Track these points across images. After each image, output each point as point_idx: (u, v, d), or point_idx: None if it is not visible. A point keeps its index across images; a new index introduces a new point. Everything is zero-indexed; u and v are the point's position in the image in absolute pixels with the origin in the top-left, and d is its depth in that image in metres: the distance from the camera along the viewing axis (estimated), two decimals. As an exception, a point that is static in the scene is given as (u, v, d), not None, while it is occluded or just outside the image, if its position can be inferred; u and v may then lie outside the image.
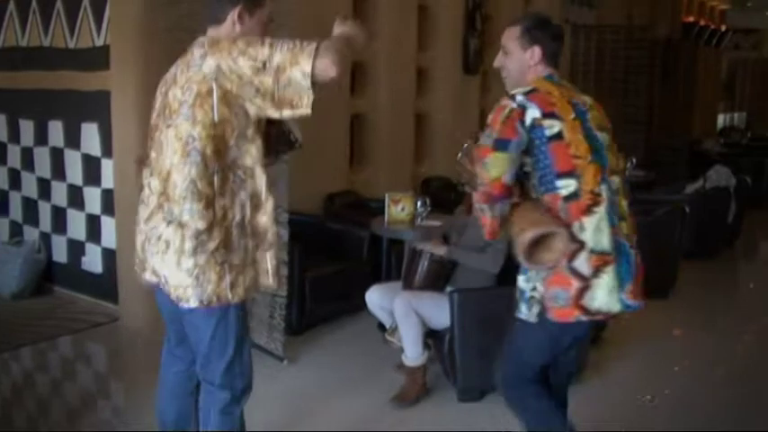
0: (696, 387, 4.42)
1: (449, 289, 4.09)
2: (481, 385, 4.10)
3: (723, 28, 16.62)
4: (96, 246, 5.43)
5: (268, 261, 2.58)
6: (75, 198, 5.53)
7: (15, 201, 6.07)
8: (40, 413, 3.94)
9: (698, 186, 7.71)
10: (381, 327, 4.48)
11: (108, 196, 5.26)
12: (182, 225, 2.40)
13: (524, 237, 2.40)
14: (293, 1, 4.37)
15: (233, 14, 2.51)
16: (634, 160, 7.76)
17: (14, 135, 5.96)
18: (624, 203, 2.61)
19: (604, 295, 2.50)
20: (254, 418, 2.98)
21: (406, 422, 3.86)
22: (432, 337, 4.10)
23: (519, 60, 2.70)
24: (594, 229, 2.48)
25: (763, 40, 20.76)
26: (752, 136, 16.32)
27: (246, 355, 2.66)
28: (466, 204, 4.38)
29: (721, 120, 18.46)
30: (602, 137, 2.61)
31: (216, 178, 2.41)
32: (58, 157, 5.62)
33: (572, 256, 2.46)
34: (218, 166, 2.40)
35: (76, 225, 5.56)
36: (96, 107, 5.22)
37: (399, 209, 5.07)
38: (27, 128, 5.84)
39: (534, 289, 2.57)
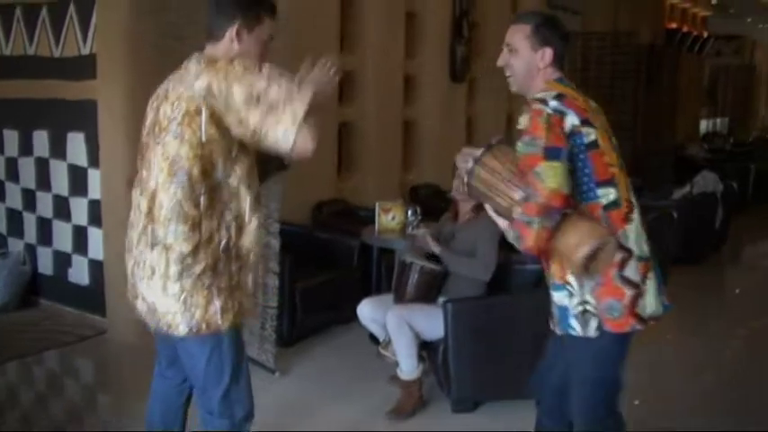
0: (687, 390, 4.42)
1: (441, 300, 4.07)
2: (475, 396, 4.09)
3: (705, 34, 16.73)
4: (83, 257, 5.35)
5: (250, 284, 2.53)
6: (61, 209, 5.45)
7: (0, 212, 5.98)
8: (26, 430, 3.86)
9: (685, 192, 7.74)
10: (373, 338, 4.45)
11: (95, 207, 5.19)
12: (166, 248, 2.34)
13: (583, 249, 2.31)
14: (285, 9, 4.30)
15: (231, 32, 2.44)
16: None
17: (-2, 145, 5.89)
18: None
19: (653, 301, 2.52)
20: None
21: (400, 434, 3.83)
22: (425, 348, 4.07)
23: (527, 61, 2.58)
24: (636, 237, 2.49)
25: (743, 47, 20.96)
26: (735, 141, 16.45)
27: (244, 382, 2.59)
28: (452, 211, 4.36)
29: (704, 125, 18.58)
30: (614, 142, 2.60)
31: (202, 199, 2.35)
32: (43, 167, 5.55)
33: (622, 265, 2.45)
34: (204, 187, 2.34)
35: (62, 236, 5.48)
36: (82, 116, 5.16)
37: (390, 218, 5.03)
38: (11, 138, 5.76)
39: (583, 303, 2.51)
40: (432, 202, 6.64)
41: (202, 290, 2.38)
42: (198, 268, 2.36)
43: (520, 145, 2.40)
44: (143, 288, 2.44)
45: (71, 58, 5.23)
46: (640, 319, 2.49)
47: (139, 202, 2.45)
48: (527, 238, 2.34)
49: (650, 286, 2.51)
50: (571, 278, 2.51)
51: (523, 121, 2.43)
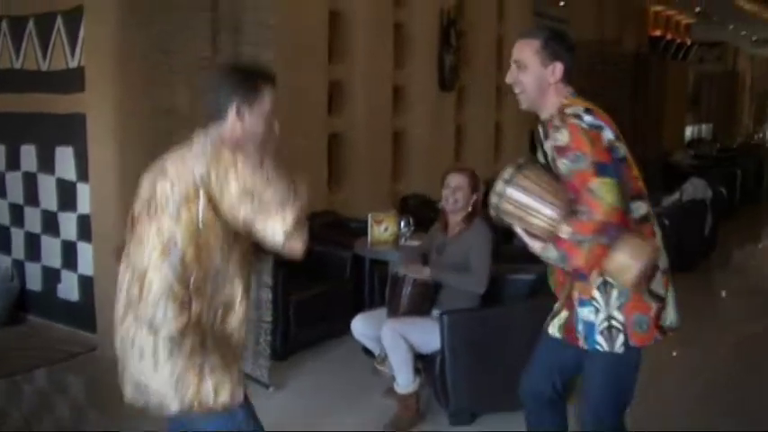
0: (683, 393, 4.44)
1: (435, 311, 4.04)
2: (473, 407, 4.06)
3: (689, 41, 16.84)
4: (72, 273, 5.29)
5: (237, 368, 2.46)
6: (50, 224, 5.39)
7: (-13, 228, 5.91)
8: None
9: (674, 199, 7.77)
10: (367, 350, 4.42)
11: (84, 222, 5.13)
12: (155, 329, 2.28)
13: (637, 266, 2.30)
14: (275, 21, 4.29)
15: (231, 111, 2.39)
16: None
17: (-15, 160, 5.82)
18: None
19: (673, 311, 2.56)
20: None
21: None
22: (421, 360, 4.04)
23: (538, 77, 2.55)
24: (661, 250, 2.51)
25: (726, 53, 21.13)
26: (720, 147, 16.56)
27: None
28: (441, 222, 4.31)
29: (689, 132, 18.70)
30: None
31: (193, 281, 2.29)
32: (31, 182, 5.49)
33: (650, 279, 2.46)
34: (197, 269, 2.29)
35: (51, 252, 5.42)
36: (71, 130, 5.11)
37: (382, 229, 5.00)
38: (-2, 152, 5.70)
39: (610, 318, 2.50)
40: (422, 212, 6.60)
41: (194, 368, 2.31)
42: (187, 348, 2.30)
43: (565, 162, 2.37)
44: (132, 367, 2.37)
45: (59, 72, 5.19)
46: (662, 330, 2.52)
47: (127, 277, 2.38)
48: (576, 258, 2.33)
49: (670, 298, 2.54)
50: (597, 294, 2.51)
51: (563, 138, 2.39)
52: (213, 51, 4.55)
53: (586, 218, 2.30)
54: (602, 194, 2.29)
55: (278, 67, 4.35)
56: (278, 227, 2.20)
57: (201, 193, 2.23)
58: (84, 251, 5.19)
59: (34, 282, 5.59)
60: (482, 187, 4.23)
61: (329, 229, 6.12)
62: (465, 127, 8.76)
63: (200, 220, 2.25)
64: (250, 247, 2.41)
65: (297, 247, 2.25)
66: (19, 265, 5.65)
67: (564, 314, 2.67)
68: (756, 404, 4.42)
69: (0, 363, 4.84)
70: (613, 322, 2.50)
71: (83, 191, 5.14)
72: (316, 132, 6.41)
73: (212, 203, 2.24)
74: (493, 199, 2.43)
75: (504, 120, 9.41)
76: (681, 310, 2.60)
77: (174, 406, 2.33)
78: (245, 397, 2.44)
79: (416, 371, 3.96)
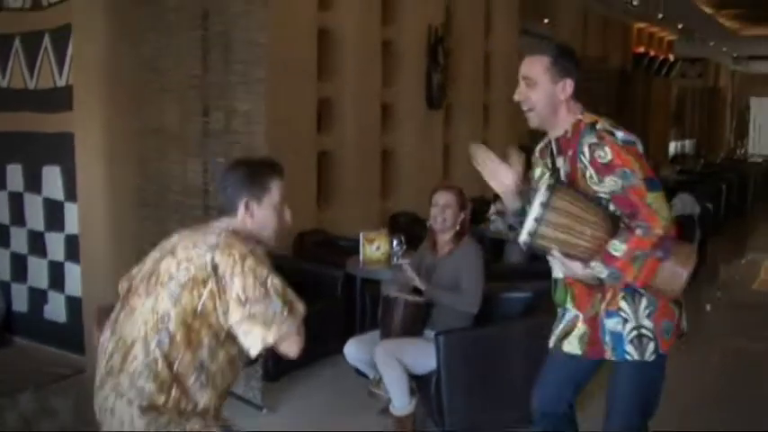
0: (664, 410, 4.41)
1: (427, 332, 4.01)
2: (469, 428, 4.02)
3: (671, 58, 17.01)
4: (60, 294, 5.22)
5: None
6: (37, 244, 5.32)
7: (-29, 249, 5.82)
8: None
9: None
10: (359, 371, 4.35)
11: (72, 242, 5.07)
12: (130, 401, 2.25)
13: (687, 272, 2.35)
14: (264, 45, 4.27)
15: (241, 207, 2.42)
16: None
17: (-30, 180, 5.74)
18: None
19: (685, 316, 2.61)
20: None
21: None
22: (415, 380, 4.00)
23: (549, 94, 2.52)
24: None
25: (707, 69, 21.36)
26: (705, 162, 16.69)
27: None
28: (430, 241, 4.27)
29: (672, 147, 18.83)
30: None
31: (177, 365, 2.25)
32: (17, 201, 5.41)
33: None
34: (183, 354, 2.25)
35: (38, 273, 5.34)
36: (58, 149, 5.05)
37: (374, 248, 4.97)
38: (-17, 172, 5.63)
39: (639, 327, 2.51)
40: (411, 230, 6.57)
41: None
42: (164, 420, 2.26)
43: (615, 179, 2.36)
44: None
45: (46, 90, 5.13)
46: (679, 335, 2.57)
47: (111, 344, 2.35)
48: (630, 274, 2.34)
49: (683, 304, 2.59)
50: (623, 304, 2.52)
51: (605, 155, 2.38)
52: (203, 70, 4.54)
53: (642, 233, 2.31)
54: (658, 209, 2.32)
55: (268, 86, 4.37)
56: (257, 342, 2.21)
57: (211, 281, 2.24)
58: (72, 272, 5.12)
59: (20, 303, 5.50)
60: (469, 205, 4.22)
61: (319, 247, 6.10)
62: (452, 145, 8.77)
63: (201, 304, 2.24)
64: (240, 356, 2.37)
65: (291, 352, 2.29)
66: (5, 286, 5.56)
67: (582, 328, 2.65)
68: (742, 419, 4.42)
69: (-15, 386, 4.77)
70: (643, 330, 2.51)
71: (70, 210, 5.08)
72: (305, 150, 6.39)
73: (213, 295, 2.24)
74: (529, 226, 2.37)
75: (492, 137, 9.43)
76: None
77: None
78: None
79: (411, 391, 3.92)
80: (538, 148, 2.79)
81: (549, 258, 2.65)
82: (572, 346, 2.68)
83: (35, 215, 5.31)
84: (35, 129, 5.21)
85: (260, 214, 2.43)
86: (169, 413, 2.26)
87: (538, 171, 2.76)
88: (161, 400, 2.24)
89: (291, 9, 6.00)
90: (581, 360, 2.69)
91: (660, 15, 14.18)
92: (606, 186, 2.39)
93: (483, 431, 4.07)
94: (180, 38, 4.60)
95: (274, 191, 2.45)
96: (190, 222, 4.59)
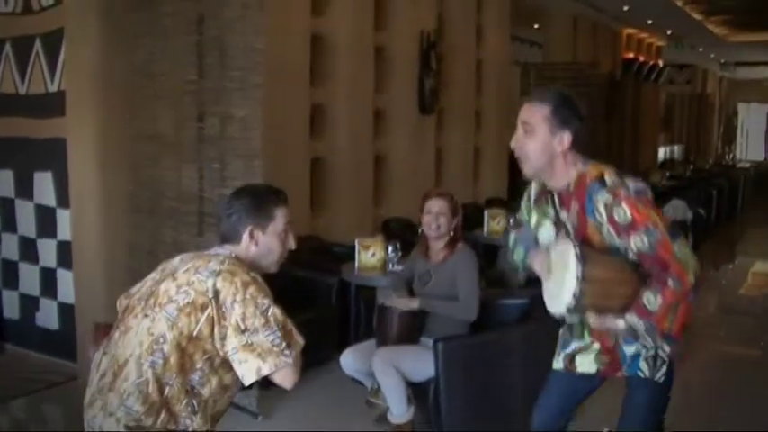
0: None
1: (423, 339, 3.98)
2: (466, 435, 4.01)
3: (660, 63, 17.08)
4: (52, 300, 5.18)
5: None
6: (28, 251, 5.28)
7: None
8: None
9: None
10: (355, 378, 4.33)
11: (64, 248, 5.03)
12: (118, 420, 2.23)
13: None
14: (261, 50, 4.25)
15: (245, 235, 2.41)
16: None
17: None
18: None
19: None
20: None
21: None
22: (412, 388, 3.97)
23: (545, 144, 2.45)
24: None
25: (695, 75, 21.48)
26: (694, 168, 16.77)
27: None
28: (422, 248, 4.22)
29: (661, 153, 18.91)
30: None
31: (168, 389, 2.24)
32: (8, 207, 5.37)
33: None
34: (175, 378, 2.23)
35: (29, 279, 5.30)
36: (50, 155, 5.02)
37: (370, 254, 4.96)
38: (-26, 178, 5.58)
39: (657, 349, 2.51)
40: (404, 236, 6.56)
41: None
42: None
43: (642, 239, 2.34)
44: None
45: (38, 96, 5.11)
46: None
47: (104, 362, 2.33)
48: (664, 324, 2.37)
49: None
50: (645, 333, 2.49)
51: (624, 214, 2.35)
52: (199, 75, 4.50)
53: (675, 286, 2.32)
54: (685, 259, 2.32)
55: (265, 91, 4.34)
56: (251, 373, 2.20)
57: (211, 306, 2.22)
58: (65, 278, 5.08)
59: (12, 309, 5.46)
60: (461, 211, 4.20)
61: (313, 254, 6.05)
62: (444, 150, 8.76)
63: (197, 329, 2.22)
64: (234, 384, 2.35)
65: (285, 384, 2.29)
66: (-5, 293, 5.53)
67: (597, 348, 2.64)
68: (730, 423, 4.41)
69: (-23, 394, 4.72)
70: (660, 352, 2.52)
71: (62, 217, 5.05)
72: (299, 156, 6.36)
73: (211, 320, 2.22)
74: (567, 301, 2.35)
75: (483, 143, 9.43)
76: None
77: None
78: None
79: (409, 399, 3.89)
80: (532, 194, 2.73)
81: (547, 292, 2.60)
82: (588, 366, 2.68)
83: (27, 221, 5.27)
84: (26, 134, 5.18)
85: (264, 242, 2.42)
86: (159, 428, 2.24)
87: (534, 218, 2.71)
88: (149, 422, 2.22)
89: (286, 14, 5.98)
90: (592, 379, 2.69)
91: (649, 21, 14.26)
92: (632, 245, 2.36)
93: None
94: (175, 43, 4.57)
95: (279, 219, 2.45)
96: (184, 229, 4.62)
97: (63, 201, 5.02)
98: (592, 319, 2.48)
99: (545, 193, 2.62)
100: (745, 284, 9.25)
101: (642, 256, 2.36)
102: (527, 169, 2.52)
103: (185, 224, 4.55)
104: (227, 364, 2.27)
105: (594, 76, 11.56)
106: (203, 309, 2.22)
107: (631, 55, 15.50)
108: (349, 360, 4.07)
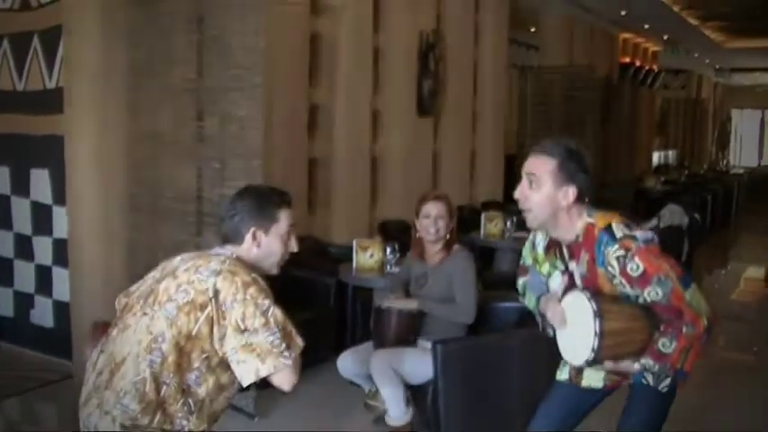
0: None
1: (423, 341, 3.97)
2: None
3: (656, 68, 17.11)
4: (47, 298, 5.15)
5: None
6: (23, 248, 5.25)
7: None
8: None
9: (652, 225, 7.79)
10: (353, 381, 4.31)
11: (60, 246, 5.01)
12: (114, 419, 2.21)
13: None
14: (262, 49, 4.24)
15: (248, 236, 2.40)
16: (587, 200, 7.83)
17: (-45, 183, 5.65)
18: None
19: None
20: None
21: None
22: (410, 390, 3.96)
23: (550, 197, 2.44)
24: None
25: (690, 81, 21.53)
26: (689, 173, 16.80)
27: None
28: (416, 251, 4.21)
29: (656, 158, 18.92)
30: None
31: (165, 389, 2.22)
32: (3, 204, 5.34)
33: None
34: (173, 377, 2.22)
35: (24, 277, 5.28)
36: (47, 152, 5.00)
37: (368, 256, 4.95)
38: (-31, 175, 5.54)
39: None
40: (401, 238, 6.54)
41: None
42: None
43: (656, 290, 2.35)
44: None
45: (36, 92, 5.08)
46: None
47: (102, 360, 2.32)
48: (678, 363, 2.41)
49: None
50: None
51: (637, 268, 2.35)
52: (198, 74, 4.48)
53: (688, 330, 2.36)
54: (697, 305, 2.36)
55: (262, 91, 4.32)
56: (250, 373, 2.19)
57: (211, 306, 2.21)
58: (60, 276, 5.06)
59: (6, 307, 5.43)
60: (456, 213, 4.19)
61: (310, 254, 6.03)
62: (442, 152, 8.74)
63: (196, 328, 2.21)
64: (231, 384, 2.34)
65: (284, 385, 2.28)
66: (-10, 290, 5.49)
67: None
68: (721, 428, 4.42)
69: (-29, 392, 4.68)
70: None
71: (59, 214, 5.02)
72: (297, 156, 6.34)
73: (210, 320, 2.21)
74: (587, 355, 2.39)
75: (480, 144, 9.42)
76: None
77: None
78: None
79: (407, 401, 3.88)
80: (537, 243, 2.74)
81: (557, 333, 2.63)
82: (593, 381, 2.69)
83: (22, 218, 5.25)
84: (23, 131, 5.16)
85: (266, 243, 2.42)
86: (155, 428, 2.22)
87: (545, 268, 2.70)
88: (145, 421, 2.20)
89: (286, 14, 5.95)
90: (596, 392, 2.71)
91: (646, 26, 14.28)
92: (646, 296, 2.38)
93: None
94: (175, 41, 4.55)
95: (282, 221, 2.44)
96: (183, 229, 4.59)
97: (59, 198, 4.99)
98: (608, 365, 2.50)
99: (554, 244, 2.62)
100: (737, 290, 9.27)
101: (656, 306, 2.39)
102: (531, 221, 2.52)
103: (184, 223, 4.53)
104: (224, 364, 2.25)
105: (591, 80, 11.54)
106: (203, 308, 2.20)
107: (628, 59, 15.51)
108: (347, 363, 4.06)
